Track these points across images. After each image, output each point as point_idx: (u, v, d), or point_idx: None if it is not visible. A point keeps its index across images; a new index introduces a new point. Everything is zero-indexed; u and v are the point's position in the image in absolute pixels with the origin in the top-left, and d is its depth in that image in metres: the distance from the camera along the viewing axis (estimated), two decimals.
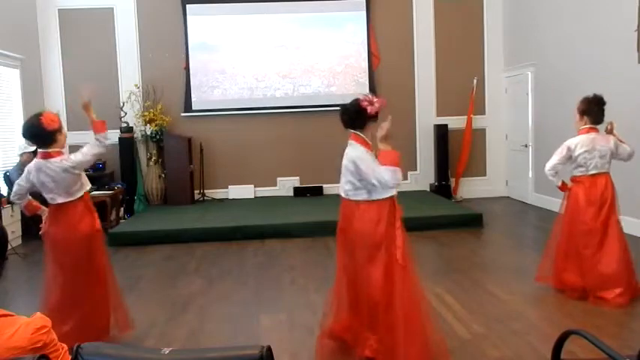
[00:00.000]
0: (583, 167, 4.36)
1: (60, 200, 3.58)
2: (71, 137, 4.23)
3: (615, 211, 4.38)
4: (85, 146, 3.69)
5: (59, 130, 3.55)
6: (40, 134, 3.48)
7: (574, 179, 4.46)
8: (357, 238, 3.26)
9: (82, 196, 3.65)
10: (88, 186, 3.74)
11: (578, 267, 4.38)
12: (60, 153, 3.59)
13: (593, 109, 4.35)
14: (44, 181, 3.54)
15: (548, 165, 4.45)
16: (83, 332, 3.39)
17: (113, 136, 9.06)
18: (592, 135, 4.35)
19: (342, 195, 3.37)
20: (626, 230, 6.36)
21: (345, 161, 3.30)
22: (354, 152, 3.24)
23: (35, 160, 3.61)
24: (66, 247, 3.60)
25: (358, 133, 3.29)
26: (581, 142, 4.34)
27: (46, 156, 3.54)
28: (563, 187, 4.52)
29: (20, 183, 3.65)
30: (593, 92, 4.44)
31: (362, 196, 3.25)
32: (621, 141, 4.46)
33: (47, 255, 3.70)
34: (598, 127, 4.41)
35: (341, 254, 3.45)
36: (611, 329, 3.74)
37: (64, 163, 3.53)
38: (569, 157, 4.39)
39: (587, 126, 4.39)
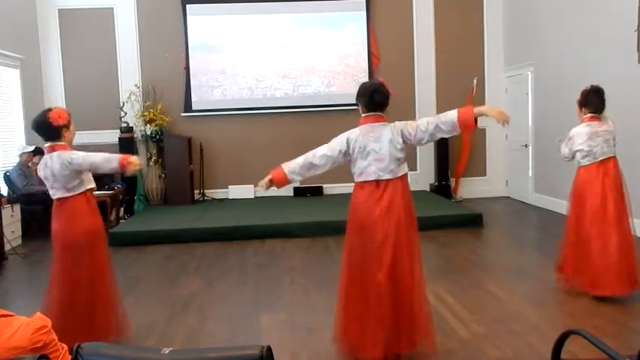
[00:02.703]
0: (590, 156, 4.37)
1: (59, 195, 3.59)
2: None
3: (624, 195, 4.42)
4: (97, 154, 3.70)
5: (66, 126, 3.59)
6: (46, 128, 3.54)
7: (583, 169, 4.43)
8: (407, 211, 3.26)
9: (82, 193, 3.64)
10: (90, 185, 3.72)
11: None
12: (65, 147, 3.61)
13: (591, 100, 4.42)
14: (46, 175, 3.57)
15: (564, 152, 4.52)
16: (88, 332, 3.39)
17: (113, 136, 9.10)
18: (593, 123, 4.40)
19: (387, 177, 3.23)
20: None
21: (385, 142, 3.23)
22: (395, 125, 3.29)
23: (43, 158, 3.64)
24: (65, 242, 3.58)
25: (383, 115, 3.33)
26: (582, 131, 4.39)
27: (51, 150, 3.58)
28: None
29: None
30: (591, 83, 4.51)
31: (404, 169, 3.31)
32: None
33: (53, 254, 3.68)
34: (600, 115, 4.45)
35: (379, 243, 3.20)
36: (611, 329, 3.73)
37: (63, 156, 3.54)
38: (572, 144, 4.44)
39: (588, 115, 4.44)
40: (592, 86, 4.47)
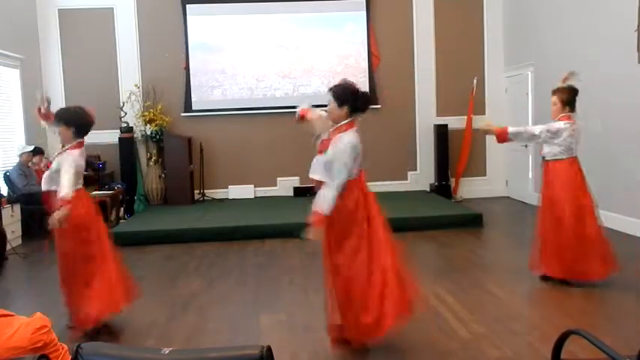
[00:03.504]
0: (568, 151, 4.63)
1: (79, 185, 3.94)
2: None
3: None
4: None
5: None
6: (88, 125, 3.96)
7: (558, 163, 4.64)
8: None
9: None
10: None
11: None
12: None
13: (574, 100, 4.69)
14: (83, 166, 4.00)
15: (537, 130, 4.70)
16: (127, 293, 4.04)
17: (113, 136, 9.10)
18: (571, 121, 4.66)
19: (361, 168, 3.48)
20: (626, 230, 6.38)
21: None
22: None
23: (75, 152, 3.88)
24: (93, 221, 3.98)
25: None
26: (565, 127, 4.62)
27: (80, 144, 3.95)
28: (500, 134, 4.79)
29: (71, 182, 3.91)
30: (571, 86, 4.75)
31: None
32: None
33: (82, 236, 3.87)
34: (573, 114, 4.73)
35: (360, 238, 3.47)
36: (611, 329, 3.74)
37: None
38: (553, 137, 4.61)
39: (567, 114, 4.68)
40: (570, 86, 4.72)
